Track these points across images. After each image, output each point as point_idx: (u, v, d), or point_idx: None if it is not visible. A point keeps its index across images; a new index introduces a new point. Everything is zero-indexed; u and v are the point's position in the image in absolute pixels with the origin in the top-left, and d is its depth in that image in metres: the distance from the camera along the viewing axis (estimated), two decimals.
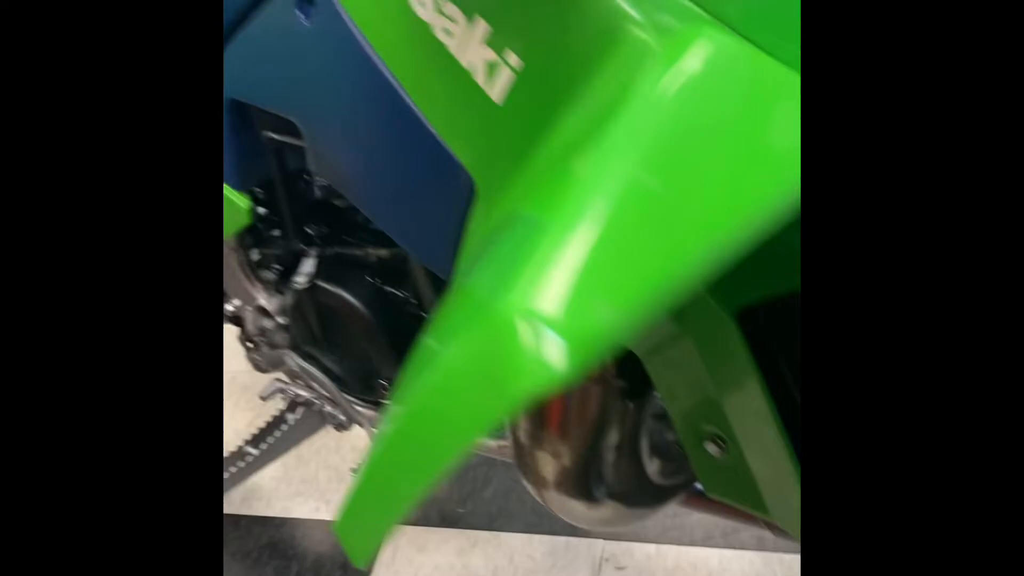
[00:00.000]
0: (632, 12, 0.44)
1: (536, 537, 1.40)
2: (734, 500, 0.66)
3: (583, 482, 0.77)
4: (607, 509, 0.80)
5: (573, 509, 0.80)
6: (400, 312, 0.98)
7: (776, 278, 0.53)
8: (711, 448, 0.63)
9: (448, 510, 1.48)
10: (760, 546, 1.31)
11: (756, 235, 0.37)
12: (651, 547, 1.35)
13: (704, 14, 0.42)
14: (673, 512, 1.39)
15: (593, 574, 1.33)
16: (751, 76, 0.40)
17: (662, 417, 0.86)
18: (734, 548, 1.32)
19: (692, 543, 1.34)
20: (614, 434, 0.75)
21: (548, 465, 0.78)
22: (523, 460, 0.80)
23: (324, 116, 0.75)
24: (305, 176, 0.97)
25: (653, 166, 0.38)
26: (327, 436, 1.52)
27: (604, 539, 1.37)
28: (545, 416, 0.75)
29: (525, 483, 0.82)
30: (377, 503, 0.48)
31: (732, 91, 0.40)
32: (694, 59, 0.40)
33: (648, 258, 0.37)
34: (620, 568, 1.33)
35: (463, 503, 1.48)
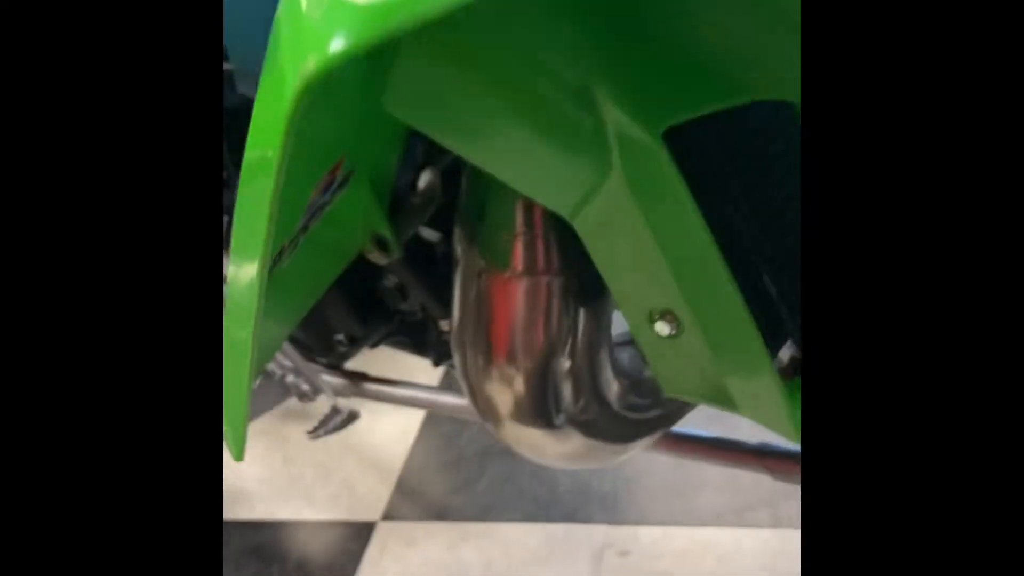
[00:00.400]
0: None
1: (533, 526, 1.30)
2: (697, 395, 0.56)
3: (539, 407, 0.68)
4: (572, 440, 0.71)
5: (535, 442, 0.70)
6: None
7: (701, 91, 0.45)
8: (662, 328, 0.54)
9: (439, 503, 1.38)
10: (775, 523, 1.20)
11: None
12: (657, 530, 1.24)
13: None
14: (680, 491, 1.29)
15: (594, 562, 1.22)
16: None
17: (623, 343, 0.77)
18: (748, 526, 1.21)
19: (702, 523, 1.23)
20: (566, 348, 0.66)
21: (501, 394, 0.68)
22: (477, 397, 0.71)
23: None
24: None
25: None
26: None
27: (606, 524, 1.26)
28: (491, 338, 0.66)
29: (485, 425, 0.73)
30: None
31: None
32: None
33: None
34: (624, 554, 1.22)
35: (454, 496, 1.38)
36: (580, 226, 0.52)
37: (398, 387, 1.02)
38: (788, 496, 1.22)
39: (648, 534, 1.24)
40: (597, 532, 1.26)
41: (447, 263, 0.84)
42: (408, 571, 1.27)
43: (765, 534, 1.19)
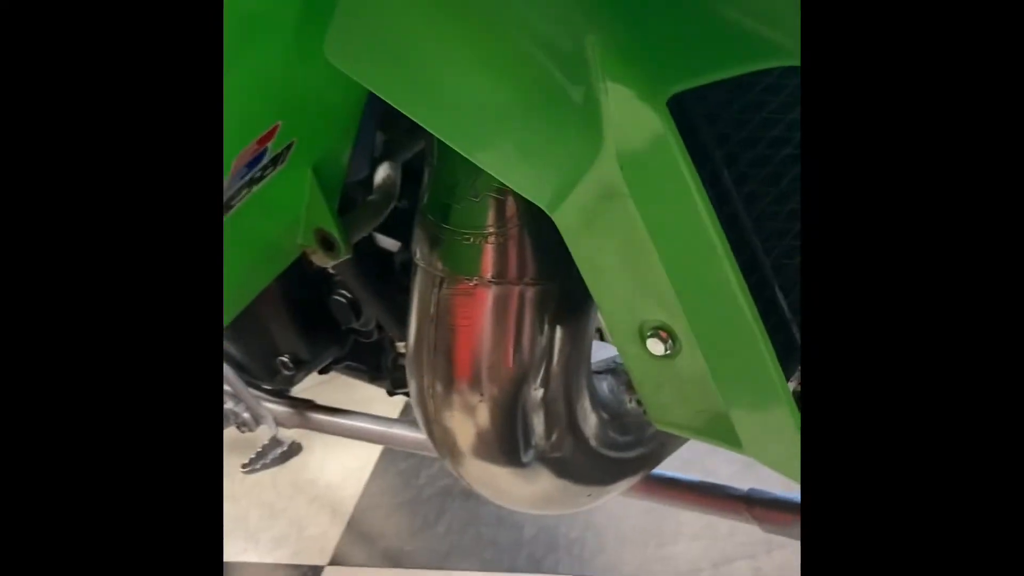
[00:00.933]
0: None
1: (494, 575, 1.19)
2: (692, 428, 0.48)
3: (505, 441, 0.59)
4: (541, 480, 0.61)
5: (499, 481, 0.61)
6: (299, 277, 0.82)
7: (714, 52, 0.37)
8: (655, 346, 0.45)
9: (392, 547, 1.27)
10: None
11: None
12: None
13: None
14: (653, 540, 1.19)
15: None
16: None
17: (611, 371, 0.68)
18: None
19: None
20: (540, 372, 0.57)
21: (461, 426, 0.59)
22: (433, 429, 0.61)
23: None
24: None
25: None
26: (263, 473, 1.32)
27: (574, 574, 1.16)
28: (452, 359, 0.57)
29: (443, 461, 0.64)
30: None
31: None
32: None
33: None
34: None
35: (410, 539, 1.27)
36: (562, 220, 0.44)
37: (349, 417, 0.93)
38: (770, 548, 1.13)
39: None
40: None
41: (407, 275, 0.75)
42: None
43: None
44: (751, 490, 0.74)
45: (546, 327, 0.56)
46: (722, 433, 0.47)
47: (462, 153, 0.42)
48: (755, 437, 0.45)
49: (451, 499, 1.32)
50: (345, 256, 0.55)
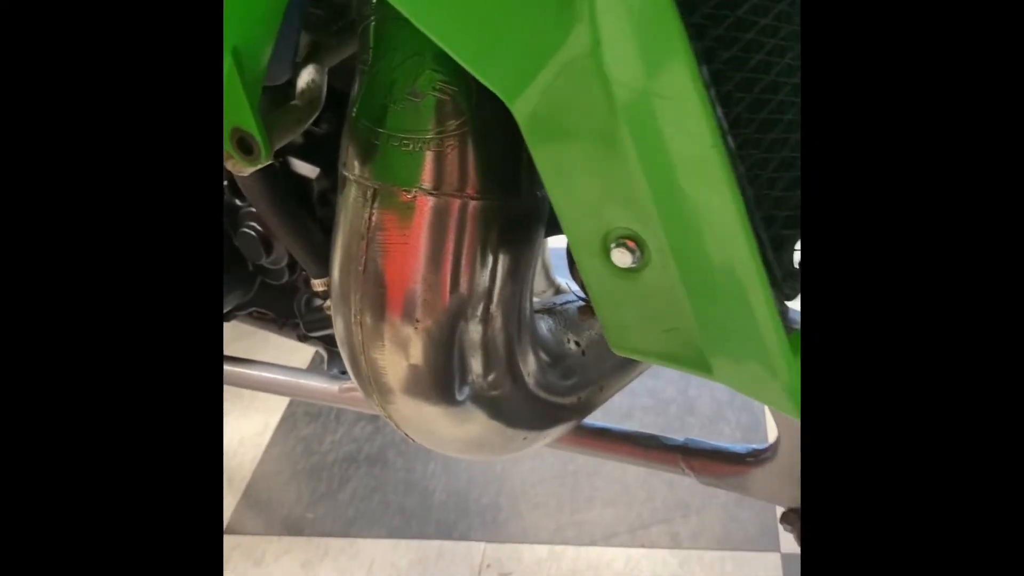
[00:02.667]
0: None
1: (402, 543, 1.13)
2: (655, 353, 0.44)
3: (440, 377, 0.53)
4: (474, 421, 0.56)
5: (431, 422, 0.56)
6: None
7: None
8: (621, 258, 0.40)
9: (293, 515, 1.20)
10: (673, 543, 1.09)
11: None
12: (542, 548, 1.10)
13: None
14: (568, 506, 1.16)
15: None
16: None
17: (549, 311, 0.64)
18: (644, 547, 1.09)
19: (592, 542, 1.10)
20: (481, 302, 0.52)
21: (392, 360, 0.53)
22: (359, 365, 0.55)
23: None
24: None
25: None
26: None
27: (486, 541, 1.12)
28: (384, 285, 0.51)
29: (369, 400, 0.58)
30: None
31: None
32: None
33: None
34: (505, 575, 1.08)
35: (312, 507, 1.20)
36: (523, 109, 0.39)
37: (249, 367, 0.85)
38: (686, 513, 1.11)
39: (533, 553, 1.10)
40: (475, 550, 1.11)
41: (325, 206, 0.68)
42: None
43: (661, 555, 1.08)
44: (687, 440, 0.71)
45: (489, 251, 0.50)
46: (689, 357, 0.43)
47: (410, 17, 0.37)
48: (730, 362, 0.41)
49: (356, 465, 1.26)
50: (265, 162, 0.48)
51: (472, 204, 0.48)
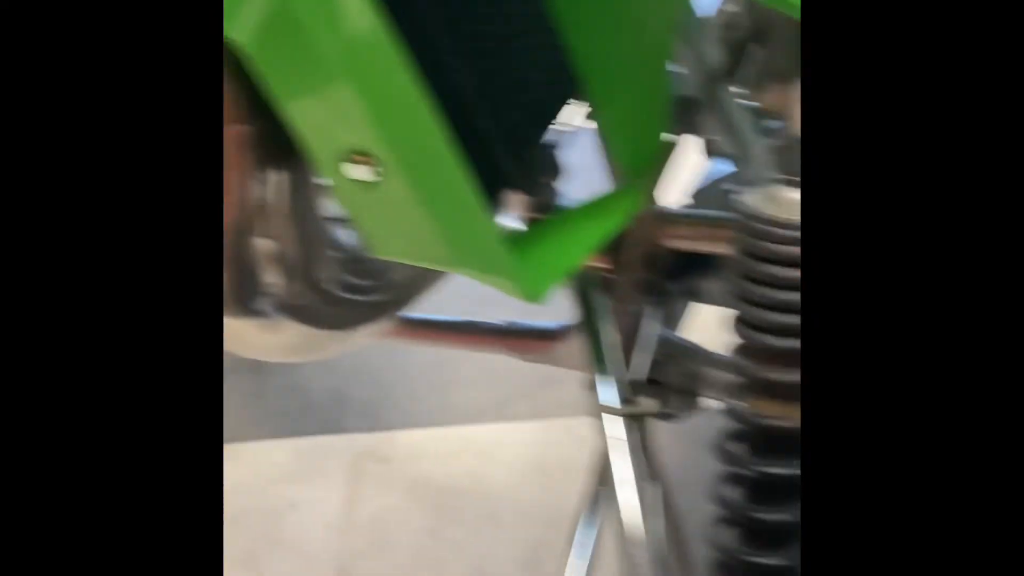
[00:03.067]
0: None
1: (283, 442, 1.19)
2: (408, 254, 0.48)
3: (240, 293, 0.57)
4: (286, 329, 0.61)
5: (245, 335, 0.60)
6: None
7: None
8: (356, 172, 0.44)
9: None
10: (535, 414, 1.17)
11: None
12: (417, 432, 1.18)
13: None
14: (439, 390, 1.23)
15: (353, 472, 1.14)
16: None
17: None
18: (507, 420, 1.17)
19: (462, 421, 1.18)
20: (263, 219, 0.55)
21: None
22: None
23: None
24: None
25: None
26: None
27: (365, 431, 1.19)
28: None
29: None
30: None
31: None
32: None
33: None
34: (383, 460, 1.15)
35: None
36: (240, 38, 0.41)
37: None
38: (545, 385, 1.20)
39: (408, 437, 1.17)
40: (356, 441, 1.18)
41: None
42: None
43: (525, 426, 1.16)
44: (508, 322, 0.77)
45: (266, 168, 0.54)
46: (436, 256, 0.47)
47: None
48: (463, 256, 0.46)
49: (234, 375, 1.30)
50: None
51: (244, 130, 0.51)
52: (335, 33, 0.39)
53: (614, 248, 0.65)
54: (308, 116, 0.44)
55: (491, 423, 1.17)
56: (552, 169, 0.63)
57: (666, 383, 0.64)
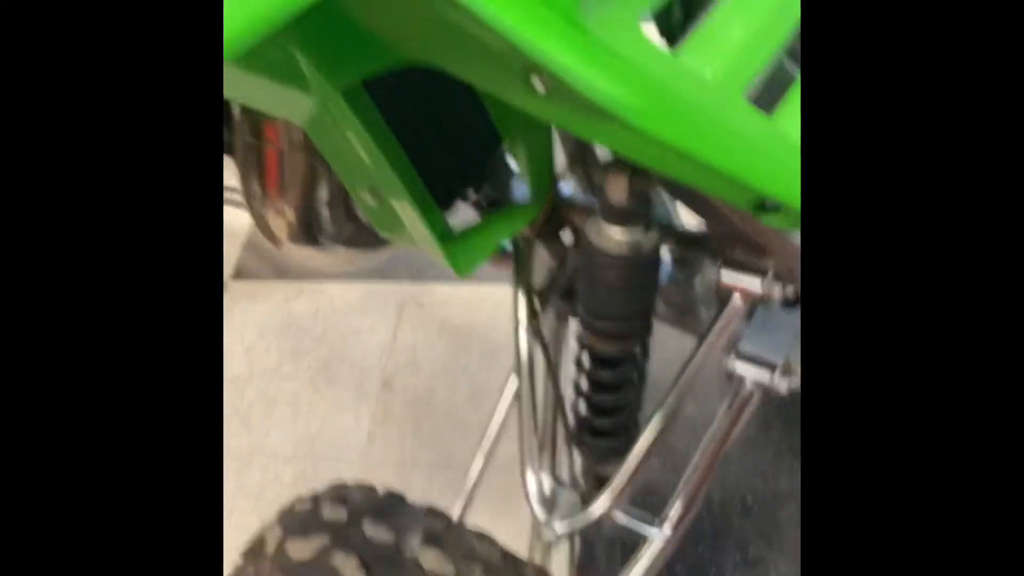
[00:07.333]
0: None
1: (353, 284, 1.62)
2: (398, 238, 0.86)
3: (307, 232, 0.96)
4: (336, 253, 1.00)
5: (307, 256, 0.99)
6: None
7: (362, 63, 0.69)
8: (368, 199, 0.81)
9: (280, 263, 1.68)
10: None
11: None
12: (448, 287, 1.58)
13: None
14: None
15: (398, 311, 1.56)
16: None
17: None
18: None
19: (483, 282, 1.57)
20: (323, 190, 0.93)
21: (276, 222, 0.96)
22: (259, 223, 0.98)
23: None
24: None
25: None
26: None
27: (409, 282, 1.60)
28: (263, 180, 0.92)
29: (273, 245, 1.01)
30: None
31: None
32: None
33: None
34: (420, 305, 1.57)
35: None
36: (310, 132, 0.78)
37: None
38: None
39: (440, 290, 1.58)
40: (402, 289, 1.59)
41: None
42: (252, 321, 1.60)
43: None
44: None
45: (323, 167, 0.91)
46: (410, 242, 0.84)
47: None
48: (424, 245, 0.83)
49: None
50: None
51: (308, 152, 0.88)
52: (345, 129, 0.75)
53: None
54: (339, 165, 0.80)
55: (506, 284, 1.56)
56: (506, 173, 0.97)
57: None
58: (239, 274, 1.68)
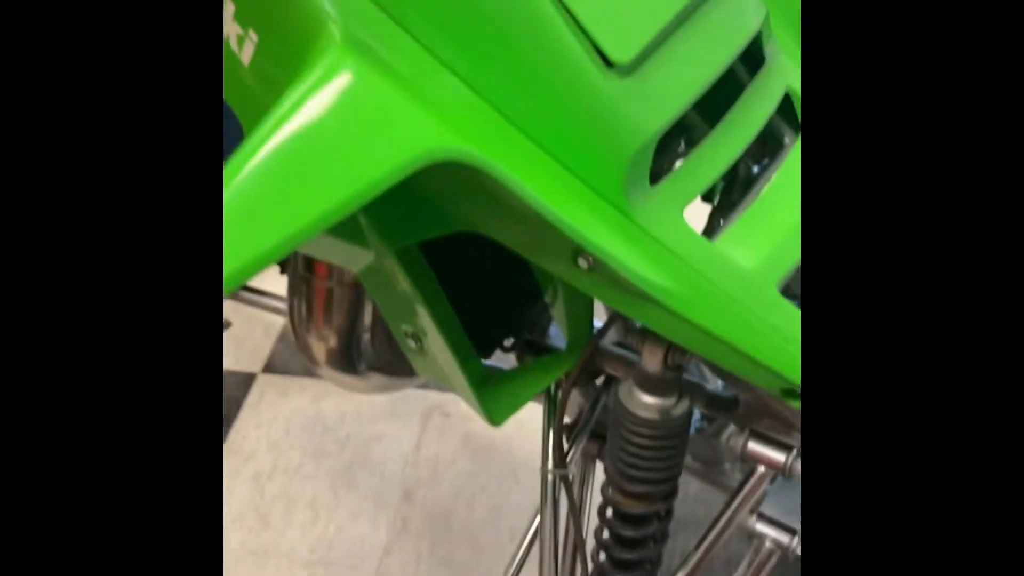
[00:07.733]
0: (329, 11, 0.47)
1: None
2: (436, 379, 0.88)
3: (347, 359, 0.99)
4: (371, 379, 1.02)
5: (343, 381, 1.02)
6: None
7: (419, 229, 0.73)
8: (411, 342, 0.84)
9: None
10: None
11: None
12: None
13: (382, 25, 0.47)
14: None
15: (424, 419, 1.58)
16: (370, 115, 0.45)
17: None
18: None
19: None
20: (365, 321, 0.96)
21: (318, 347, 0.99)
22: (301, 344, 1.01)
23: None
24: None
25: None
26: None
27: (436, 391, 1.62)
28: (311, 309, 0.96)
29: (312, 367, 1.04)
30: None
31: (346, 126, 0.45)
32: (323, 95, 0.46)
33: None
34: (446, 415, 1.59)
35: None
36: (363, 280, 0.81)
37: (265, 297, 1.32)
38: None
39: None
40: (429, 397, 1.61)
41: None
42: (281, 416, 1.62)
43: None
44: None
45: (365, 300, 0.94)
46: (446, 384, 0.87)
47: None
48: (456, 386, 0.85)
49: None
50: None
51: (328, 285, 0.91)
52: (396, 283, 0.78)
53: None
54: (386, 309, 0.83)
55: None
56: (545, 320, 0.99)
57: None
58: (270, 367, 1.71)
